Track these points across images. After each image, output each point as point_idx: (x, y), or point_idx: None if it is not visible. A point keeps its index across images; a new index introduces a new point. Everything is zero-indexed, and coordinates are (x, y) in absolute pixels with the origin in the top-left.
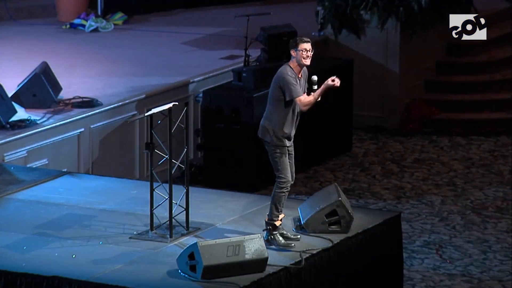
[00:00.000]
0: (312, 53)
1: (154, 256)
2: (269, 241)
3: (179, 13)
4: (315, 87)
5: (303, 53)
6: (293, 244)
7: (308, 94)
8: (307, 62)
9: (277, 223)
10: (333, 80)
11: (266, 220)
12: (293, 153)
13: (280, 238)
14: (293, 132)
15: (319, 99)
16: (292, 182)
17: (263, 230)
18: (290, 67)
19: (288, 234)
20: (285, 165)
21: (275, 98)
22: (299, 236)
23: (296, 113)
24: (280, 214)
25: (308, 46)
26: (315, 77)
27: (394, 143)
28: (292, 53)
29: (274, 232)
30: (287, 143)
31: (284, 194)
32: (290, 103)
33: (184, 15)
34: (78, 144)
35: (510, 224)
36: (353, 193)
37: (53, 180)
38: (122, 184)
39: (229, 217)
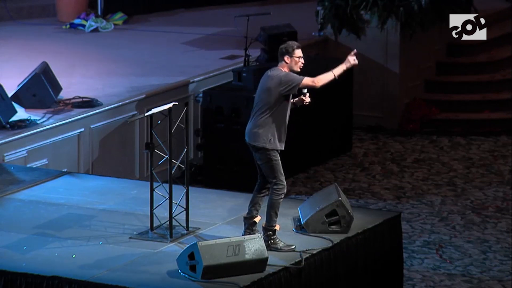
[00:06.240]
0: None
1: (154, 256)
2: (269, 246)
3: (179, 13)
4: (305, 90)
5: (299, 60)
6: (293, 246)
7: (298, 98)
8: (299, 69)
9: (277, 227)
10: (353, 59)
11: (264, 226)
12: None
13: (280, 242)
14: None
15: (337, 78)
16: None
17: (262, 236)
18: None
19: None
20: (281, 170)
21: (270, 102)
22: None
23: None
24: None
25: (301, 52)
26: None
27: (394, 143)
28: (286, 59)
29: (274, 237)
30: (282, 146)
31: (282, 199)
32: (286, 104)
33: (184, 15)
34: (78, 144)
35: (510, 224)
36: (353, 193)
37: (53, 180)
38: (122, 184)
39: (229, 217)
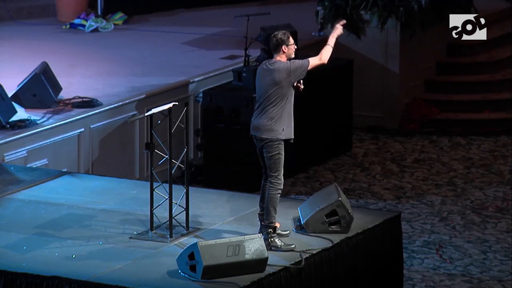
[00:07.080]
0: None
1: (154, 256)
2: (269, 245)
3: (179, 13)
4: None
5: (293, 46)
6: (293, 246)
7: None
8: (293, 56)
9: (277, 224)
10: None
11: (264, 224)
12: None
13: (280, 241)
14: None
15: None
16: None
17: (262, 234)
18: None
19: (281, 231)
20: (282, 166)
21: (283, 94)
22: (288, 232)
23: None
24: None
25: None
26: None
27: (394, 143)
28: (284, 48)
29: (274, 235)
30: (292, 134)
31: (279, 195)
32: (293, 93)
33: (184, 15)
34: (78, 144)
35: (510, 224)
36: (353, 193)
37: (53, 180)
38: (122, 184)
39: (229, 217)
